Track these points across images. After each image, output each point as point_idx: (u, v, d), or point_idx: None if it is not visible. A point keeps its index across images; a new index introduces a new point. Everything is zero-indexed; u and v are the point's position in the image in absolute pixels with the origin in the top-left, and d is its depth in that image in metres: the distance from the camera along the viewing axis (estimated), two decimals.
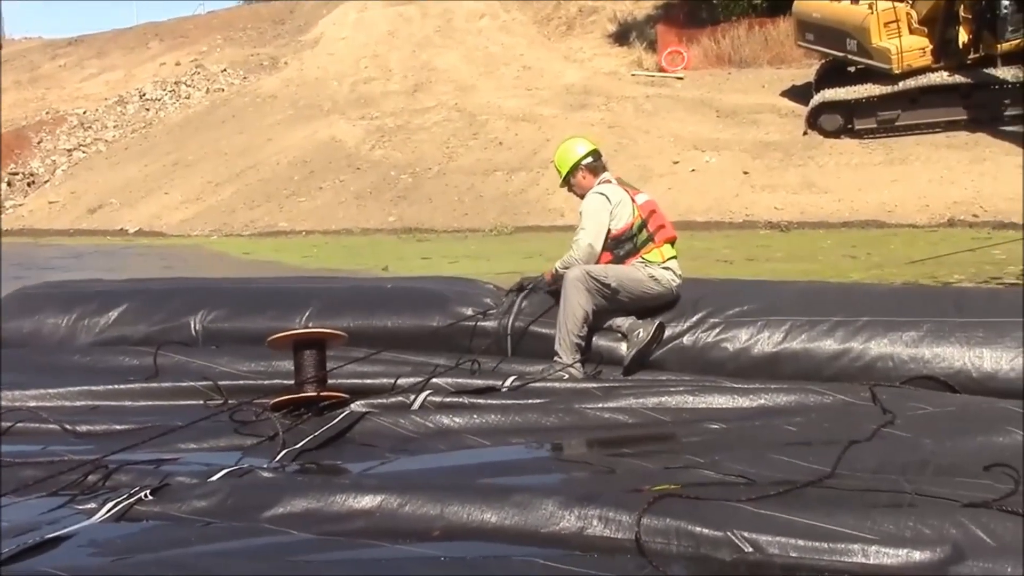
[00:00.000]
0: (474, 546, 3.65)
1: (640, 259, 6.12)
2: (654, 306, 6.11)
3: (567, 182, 6.44)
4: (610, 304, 5.99)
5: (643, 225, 6.16)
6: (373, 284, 8.12)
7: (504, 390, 5.65)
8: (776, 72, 27.21)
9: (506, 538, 3.66)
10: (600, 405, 5.31)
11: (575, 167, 6.38)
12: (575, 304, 5.83)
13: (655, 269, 6.13)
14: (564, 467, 4.53)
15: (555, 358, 5.86)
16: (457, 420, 5.21)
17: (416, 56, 31.74)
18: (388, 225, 21.20)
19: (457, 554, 3.57)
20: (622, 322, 6.04)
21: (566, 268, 6.04)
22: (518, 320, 6.29)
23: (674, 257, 6.29)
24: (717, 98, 25.69)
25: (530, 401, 5.45)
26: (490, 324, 6.37)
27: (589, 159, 6.38)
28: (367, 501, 3.87)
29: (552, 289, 6.25)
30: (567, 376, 5.68)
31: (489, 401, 5.42)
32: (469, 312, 6.45)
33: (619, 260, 6.11)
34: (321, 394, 5.27)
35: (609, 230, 6.11)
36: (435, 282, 7.45)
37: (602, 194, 6.15)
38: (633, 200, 6.19)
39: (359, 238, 20.36)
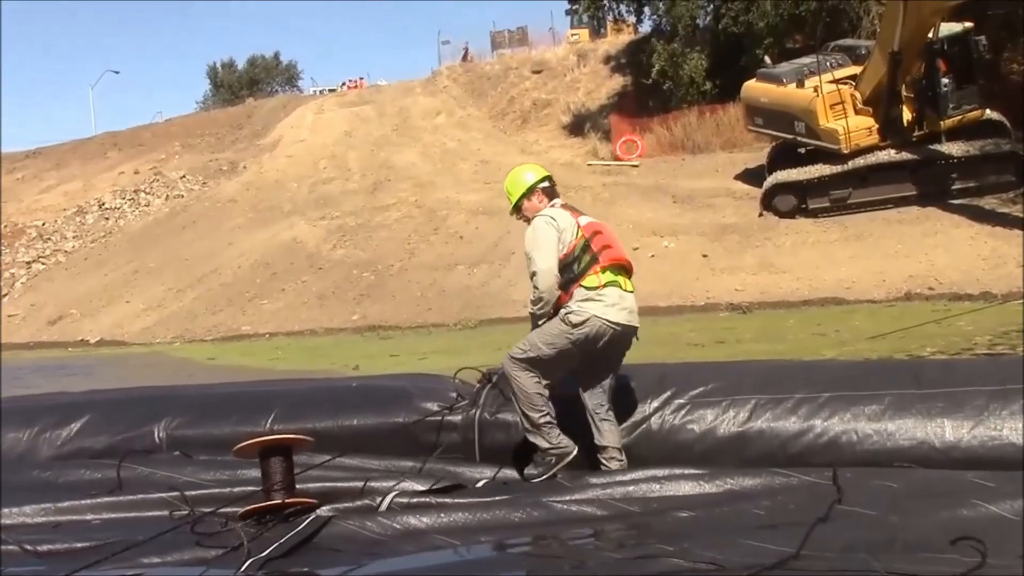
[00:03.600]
0: None
1: (580, 287, 5.57)
2: (603, 350, 5.63)
3: (518, 209, 5.95)
4: (555, 367, 5.56)
5: (586, 245, 5.63)
6: (337, 384, 8.09)
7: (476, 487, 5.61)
8: (729, 156, 27.75)
9: None
10: (568, 497, 5.28)
11: (530, 191, 5.92)
12: (523, 389, 5.55)
13: (576, 306, 5.53)
14: (534, 564, 4.49)
15: (536, 453, 5.59)
16: (424, 520, 5.17)
17: (374, 155, 32.10)
18: (352, 324, 21.18)
19: None
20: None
21: (537, 306, 5.65)
22: (486, 413, 6.27)
23: (615, 284, 5.62)
24: (673, 184, 26.11)
25: (497, 497, 5.41)
26: (457, 418, 6.34)
27: (545, 183, 5.98)
28: None
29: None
30: (556, 462, 5.56)
31: (456, 500, 5.37)
32: (435, 407, 6.42)
33: (563, 288, 5.60)
34: (288, 501, 5.19)
35: None
36: (400, 379, 7.43)
37: (546, 215, 5.72)
38: (577, 221, 5.71)
39: (323, 338, 20.30)
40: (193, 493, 5.88)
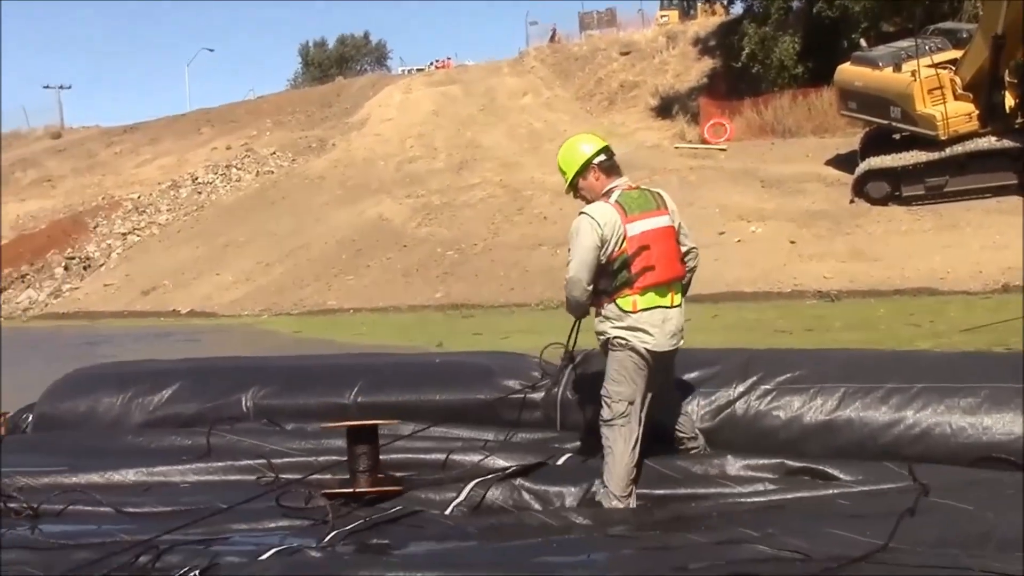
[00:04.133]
0: None
1: (615, 304, 5.15)
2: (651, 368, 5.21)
3: (574, 187, 5.37)
4: (638, 391, 5.13)
5: (625, 263, 5.09)
6: (420, 359, 8.15)
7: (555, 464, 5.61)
8: (820, 141, 27.21)
9: None
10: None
11: (584, 167, 5.28)
12: (617, 458, 5.07)
13: (614, 332, 5.16)
14: (613, 544, 4.47)
15: (602, 490, 5.13)
16: (503, 500, 5.18)
17: (461, 134, 32.21)
18: (435, 302, 21.31)
19: None
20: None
21: (567, 304, 5.34)
22: (567, 391, 6.25)
23: (655, 306, 5.14)
24: (761, 168, 25.70)
25: (578, 476, 5.40)
26: (538, 396, 6.34)
27: (601, 157, 5.28)
28: None
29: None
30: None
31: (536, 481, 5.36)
32: (517, 385, 6.42)
33: (598, 293, 5.19)
34: (373, 491, 5.20)
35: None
36: (482, 356, 7.45)
37: (594, 219, 5.10)
38: (625, 231, 5.09)
39: (407, 315, 20.46)
40: (279, 461, 5.99)
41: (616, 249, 5.07)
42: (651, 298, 5.13)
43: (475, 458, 5.84)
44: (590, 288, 5.14)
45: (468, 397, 6.42)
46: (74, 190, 36.21)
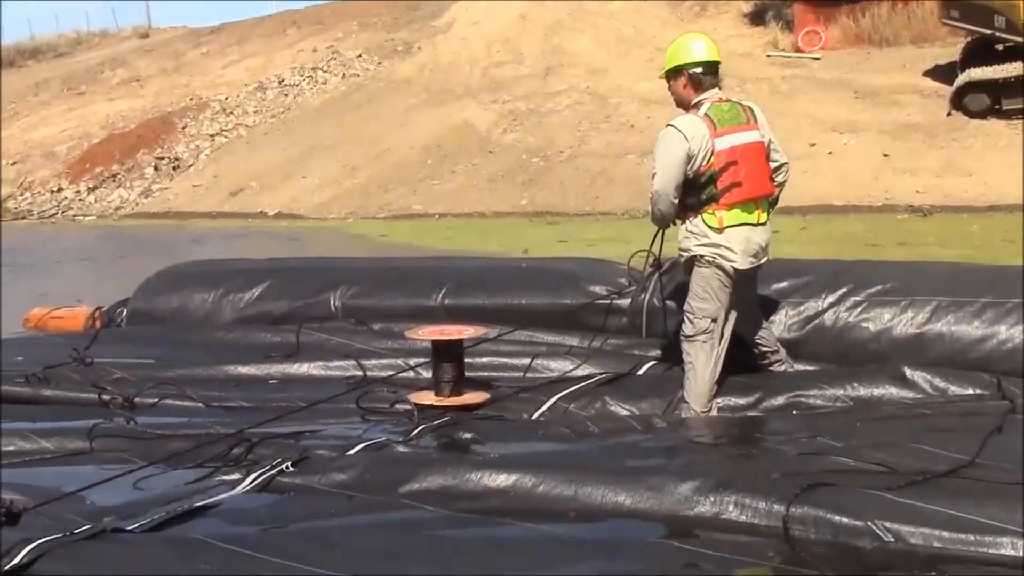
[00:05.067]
0: (608, 527, 3.65)
1: (701, 219, 5.02)
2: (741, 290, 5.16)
3: (667, 79, 5.22)
4: (723, 309, 5.03)
5: (712, 178, 4.96)
6: (506, 264, 8.18)
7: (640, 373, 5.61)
8: (919, 51, 26.21)
9: (641, 521, 3.65)
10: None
11: (679, 70, 5.12)
12: (698, 374, 5.05)
13: (698, 249, 5.04)
14: (699, 451, 4.47)
15: (683, 404, 5.13)
16: (588, 406, 5.21)
17: (548, 40, 31.70)
18: (520, 208, 21.24)
19: (591, 535, 3.57)
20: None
21: (651, 215, 5.23)
22: (654, 298, 6.22)
23: (741, 223, 5.01)
24: (856, 79, 24.92)
25: (663, 386, 5.39)
26: (625, 303, 6.32)
27: (697, 69, 5.09)
28: (502, 480, 3.91)
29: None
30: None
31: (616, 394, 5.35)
32: (603, 291, 6.41)
33: (684, 208, 5.07)
34: (458, 403, 5.24)
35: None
36: (569, 262, 7.45)
37: (680, 130, 4.97)
38: (713, 145, 4.95)
39: (492, 221, 20.47)
40: (367, 362, 6.08)
41: (704, 164, 4.96)
42: (737, 215, 5.01)
43: (559, 363, 5.88)
44: (676, 202, 5.04)
45: (554, 302, 6.43)
46: (162, 90, 36.57)
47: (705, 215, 5.02)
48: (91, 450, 4.75)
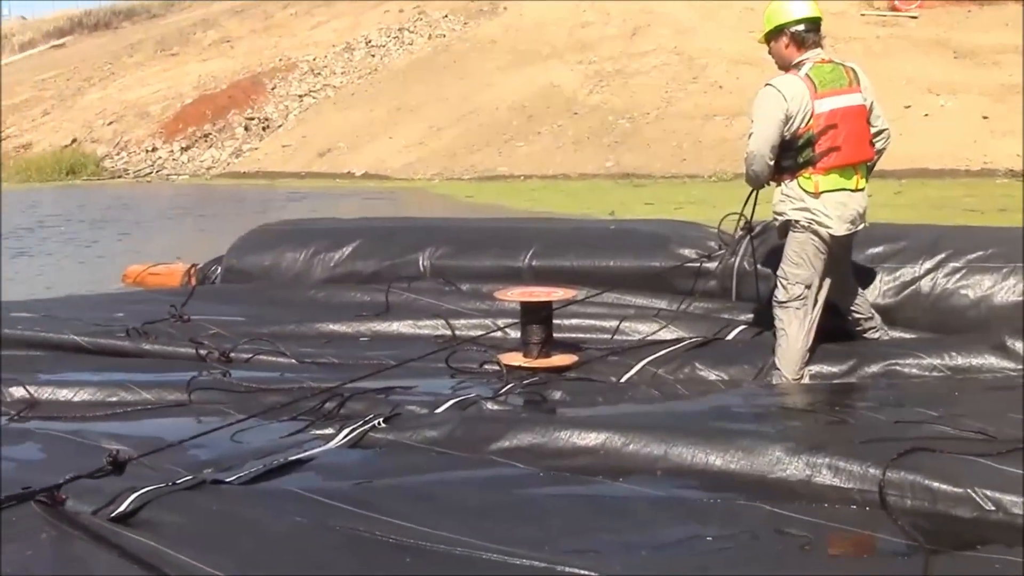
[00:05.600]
0: (698, 488, 3.63)
1: (796, 183, 4.92)
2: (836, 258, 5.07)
3: (768, 42, 5.10)
4: (817, 275, 4.95)
5: (810, 141, 4.84)
6: (594, 225, 8.15)
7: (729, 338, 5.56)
8: (1021, 9, 25.29)
9: (730, 482, 3.62)
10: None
11: (780, 29, 4.99)
12: (790, 342, 4.96)
13: (794, 214, 4.94)
14: (791, 415, 4.43)
15: (774, 371, 5.06)
16: (677, 371, 5.17)
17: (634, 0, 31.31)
18: (605, 170, 21.11)
19: (680, 494, 3.56)
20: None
21: (745, 175, 5.09)
22: (745, 262, 6.14)
23: (838, 188, 4.89)
24: (955, 38, 24.16)
25: (753, 352, 5.33)
26: (714, 266, 6.26)
27: (800, 27, 4.96)
28: (591, 438, 3.91)
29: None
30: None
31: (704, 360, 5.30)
32: (692, 254, 6.35)
33: (780, 170, 4.96)
34: (546, 366, 5.26)
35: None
36: (657, 224, 7.39)
37: (780, 90, 4.85)
38: (813, 107, 4.83)
39: (577, 183, 20.38)
40: (455, 322, 6.13)
41: (802, 126, 4.83)
42: (834, 180, 4.89)
43: (647, 326, 5.85)
44: (771, 163, 4.92)
45: (642, 264, 6.40)
46: (252, 51, 37.01)
47: (801, 179, 4.91)
48: (189, 402, 4.88)
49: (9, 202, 21.27)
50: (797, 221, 4.94)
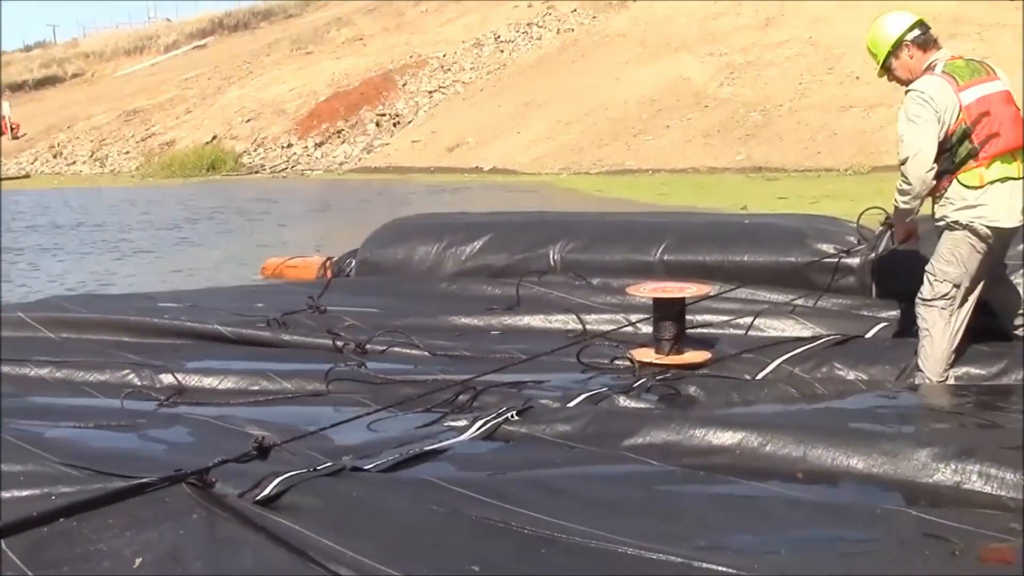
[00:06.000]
0: (838, 491, 3.54)
1: (957, 182, 4.69)
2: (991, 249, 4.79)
3: (887, 69, 4.93)
4: (968, 280, 4.75)
5: (966, 134, 4.62)
6: (728, 220, 8.02)
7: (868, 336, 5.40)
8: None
9: (873, 486, 3.52)
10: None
11: (897, 45, 4.84)
12: (933, 342, 4.78)
13: (957, 215, 4.70)
14: (938, 418, 4.27)
15: (917, 372, 4.89)
16: (814, 369, 5.05)
17: None
18: (736, 164, 20.79)
19: (821, 498, 3.48)
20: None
21: (904, 199, 4.78)
22: (885, 257, 5.97)
23: (1003, 178, 4.66)
24: None
25: (895, 351, 5.16)
26: (853, 262, 6.09)
27: (915, 32, 4.82)
28: (727, 437, 3.86)
29: (904, 238, 5.21)
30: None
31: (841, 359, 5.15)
32: (830, 249, 6.20)
33: (935, 178, 4.69)
34: (679, 363, 5.22)
35: None
36: (793, 219, 7.24)
37: (922, 92, 4.64)
38: (958, 99, 4.63)
39: (707, 176, 20.12)
40: (586, 316, 6.12)
41: (952, 122, 4.62)
42: (999, 168, 4.66)
43: (782, 323, 5.74)
44: (934, 168, 4.64)
45: (778, 259, 6.27)
46: (384, 49, 37.68)
47: (962, 176, 4.68)
48: (327, 392, 4.99)
49: (158, 196, 22.18)
50: (957, 221, 4.72)
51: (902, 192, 4.77)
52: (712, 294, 5.77)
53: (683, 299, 5.37)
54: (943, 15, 25.02)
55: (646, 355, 5.26)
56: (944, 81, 4.67)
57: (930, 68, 4.77)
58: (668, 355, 5.24)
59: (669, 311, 5.30)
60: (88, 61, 53.43)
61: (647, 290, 5.51)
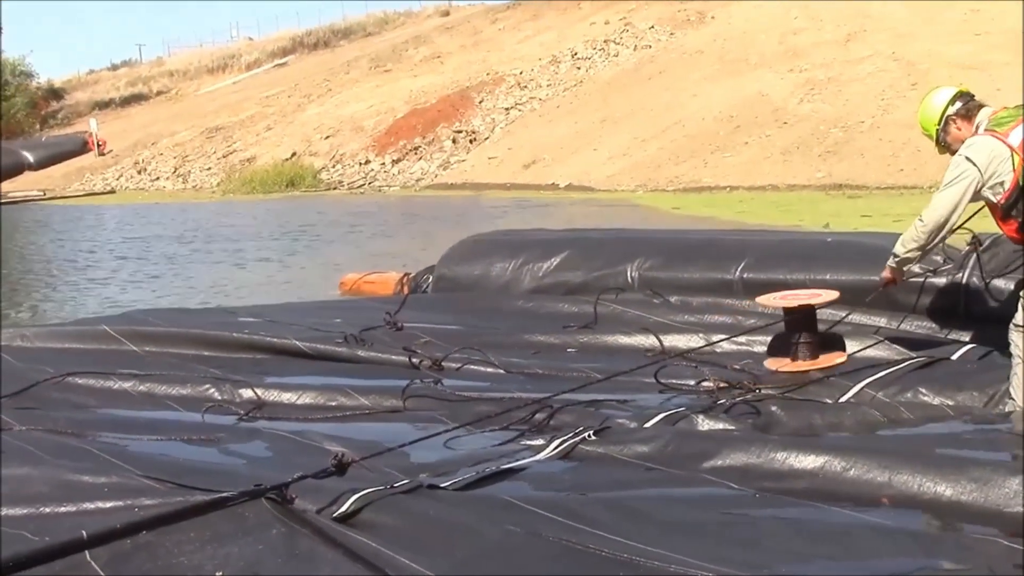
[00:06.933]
0: (925, 519, 3.45)
1: None
2: None
3: (942, 143, 5.11)
4: None
5: None
6: (809, 238, 7.91)
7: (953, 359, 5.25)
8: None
9: (961, 514, 3.42)
10: None
11: (943, 122, 5.01)
12: None
13: None
14: None
15: (1008, 399, 4.75)
16: (898, 393, 4.93)
17: (849, 3, 30.33)
18: (816, 181, 20.48)
19: (907, 525, 3.38)
20: None
21: (906, 248, 5.03)
22: (973, 277, 5.80)
23: None
24: None
25: (983, 376, 5.01)
26: (941, 282, 5.94)
27: (956, 105, 4.98)
28: (809, 461, 3.78)
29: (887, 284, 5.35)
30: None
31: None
32: (916, 268, 6.05)
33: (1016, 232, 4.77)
34: (817, 366, 5.26)
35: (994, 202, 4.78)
36: (877, 237, 7.08)
37: (960, 154, 4.83)
38: (1008, 143, 4.70)
39: (786, 194, 19.85)
40: (664, 335, 6.05)
41: (1006, 167, 4.68)
42: None
43: (865, 343, 5.62)
44: (949, 228, 4.90)
45: (861, 278, 6.13)
46: (461, 66, 37.94)
47: None
48: (404, 408, 5.01)
49: (237, 211, 22.60)
50: None
51: (912, 239, 5.00)
52: (833, 300, 5.68)
53: (813, 306, 5.44)
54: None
55: (781, 364, 5.34)
56: (986, 137, 4.78)
57: (976, 130, 4.89)
58: (804, 361, 5.31)
59: (800, 318, 5.38)
60: (172, 79, 54.70)
61: (776, 299, 5.63)
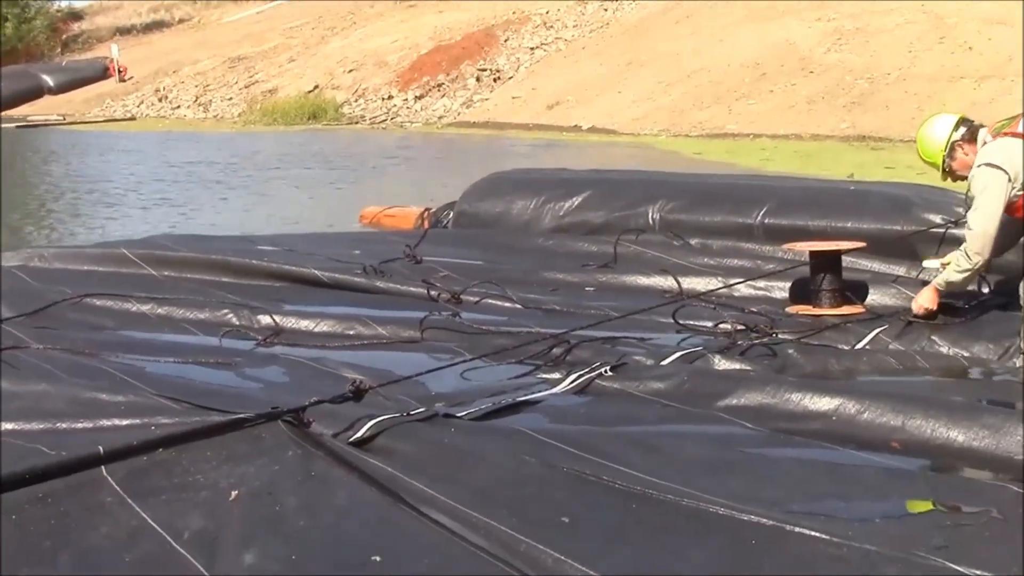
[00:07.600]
0: (937, 463, 3.47)
1: None
2: None
3: (948, 169, 5.11)
4: None
5: None
6: (832, 185, 7.85)
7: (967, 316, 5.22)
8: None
9: (972, 461, 3.44)
10: None
11: (950, 150, 5.02)
12: None
13: None
14: None
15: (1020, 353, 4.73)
16: (912, 344, 4.92)
17: None
18: (840, 132, 20.27)
19: (918, 469, 3.41)
20: None
21: (961, 272, 4.87)
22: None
23: None
24: None
25: (998, 327, 5.00)
26: (961, 233, 5.90)
27: (960, 131, 5.00)
28: (824, 403, 3.81)
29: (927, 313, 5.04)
30: None
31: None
32: (938, 219, 6.02)
33: None
34: (837, 312, 5.28)
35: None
36: (901, 187, 7.03)
37: (989, 162, 4.77)
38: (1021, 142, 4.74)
39: (809, 144, 19.67)
40: (683, 277, 6.04)
41: None
42: None
43: (883, 292, 5.61)
44: (992, 243, 4.76)
45: (883, 227, 6.10)
46: (487, 4, 37.48)
47: None
48: (421, 339, 5.03)
49: (262, 143, 22.59)
50: None
51: (960, 271, 4.86)
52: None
53: (839, 252, 5.47)
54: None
55: (803, 309, 5.38)
56: (997, 140, 4.85)
57: (983, 145, 4.94)
58: (827, 308, 5.33)
59: (825, 264, 5.39)
60: (195, 7, 54.24)
61: (803, 245, 5.68)
